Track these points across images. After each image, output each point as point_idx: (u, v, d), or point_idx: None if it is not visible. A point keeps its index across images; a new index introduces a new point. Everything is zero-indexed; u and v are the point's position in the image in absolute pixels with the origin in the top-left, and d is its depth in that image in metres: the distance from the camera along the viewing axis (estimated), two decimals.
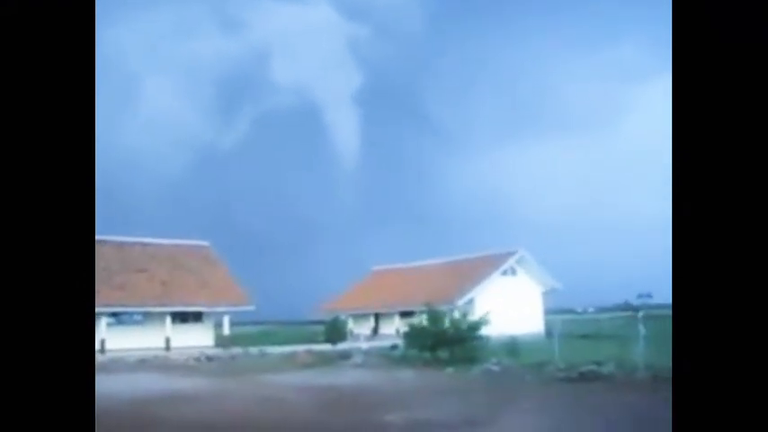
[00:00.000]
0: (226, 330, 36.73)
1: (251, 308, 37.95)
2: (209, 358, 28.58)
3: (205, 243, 42.04)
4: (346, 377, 20.62)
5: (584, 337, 32.49)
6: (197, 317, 37.05)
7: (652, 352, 17.40)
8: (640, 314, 19.52)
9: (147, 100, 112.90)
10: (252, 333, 50.05)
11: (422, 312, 26.47)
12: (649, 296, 21.05)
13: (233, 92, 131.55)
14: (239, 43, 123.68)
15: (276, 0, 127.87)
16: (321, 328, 39.28)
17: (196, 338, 35.40)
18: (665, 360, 16.39)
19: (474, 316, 26.22)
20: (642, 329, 17.68)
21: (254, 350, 30.60)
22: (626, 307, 40.91)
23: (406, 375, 20.69)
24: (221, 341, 35.80)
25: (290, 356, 27.81)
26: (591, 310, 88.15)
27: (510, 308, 38.56)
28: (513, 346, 23.83)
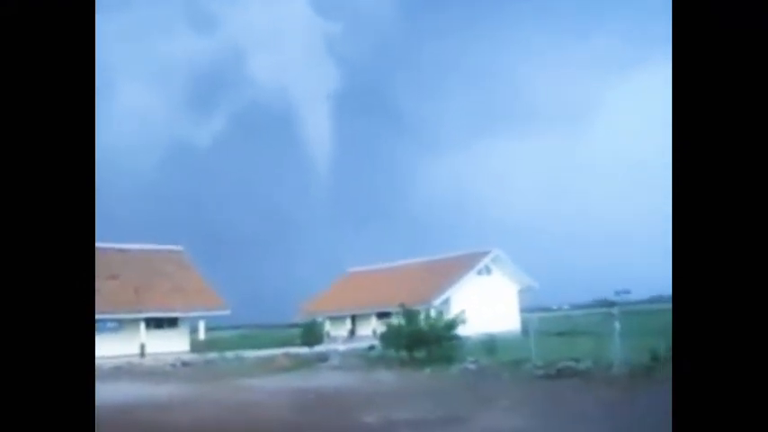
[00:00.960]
0: (201, 335, 36.38)
1: (226, 312, 37.65)
2: (185, 364, 28.26)
3: (179, 248, 41.59)
4: (324, 379, 20.54)
5: (561, 334, 32.64)
6: (172, 322, 36.64)
7: (627, 347, 17.57)
8: (615, 310, 19.69)
9: (121, 98, 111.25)
10: (228, 337, 49.71)
11: (398, 313, 26.47)
12: (627, 292, 21.27)
13: (207, 90, 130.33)
14: (213, 40, 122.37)
15: None
16: (298, 330, 39.06)
17: (172, 344, 34.96)
18: (640, 355, 16.58)
19: (450, 315, 26.26)
20: (617, 325, 17.83)
21: (230, 354, 30.33)
22: (601, 303, 41.33)
23: (384, 376, 20.67)
24: (197, 346, 35.46)
25: (267, 360, 27.62)
26: (566, 307, 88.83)
27: (486, 307, 38.69)
28: (490, 345, 23.89)
